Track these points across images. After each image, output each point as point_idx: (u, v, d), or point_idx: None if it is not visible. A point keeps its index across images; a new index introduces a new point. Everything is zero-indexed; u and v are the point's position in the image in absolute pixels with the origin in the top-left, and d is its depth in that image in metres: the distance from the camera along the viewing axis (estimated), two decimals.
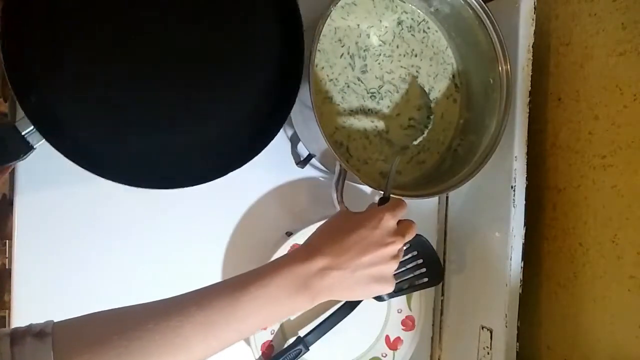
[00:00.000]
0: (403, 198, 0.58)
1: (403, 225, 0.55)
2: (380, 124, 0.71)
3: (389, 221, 0.52)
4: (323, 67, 0.69)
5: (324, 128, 0.61)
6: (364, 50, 0.71)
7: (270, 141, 0.61)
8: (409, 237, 0.54)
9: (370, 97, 0.71)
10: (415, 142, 0.73)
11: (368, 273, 0.50)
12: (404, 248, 0.73)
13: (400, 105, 0.72)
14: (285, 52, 0.63)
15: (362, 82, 0.71)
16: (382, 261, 0.51)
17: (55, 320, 0.44)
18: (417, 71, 0.73)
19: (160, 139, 0.59)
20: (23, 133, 0.49)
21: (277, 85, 0.62)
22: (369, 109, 0.71)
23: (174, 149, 0.60)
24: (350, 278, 0.49)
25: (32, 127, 0.49)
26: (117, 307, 0.46)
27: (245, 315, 0.46)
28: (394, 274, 0.52)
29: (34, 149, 0.49)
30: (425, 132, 0.73)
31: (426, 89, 0.73)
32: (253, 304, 0.46)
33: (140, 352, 0.43)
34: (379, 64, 0.71)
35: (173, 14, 0.59)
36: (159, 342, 0.43)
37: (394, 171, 0.58)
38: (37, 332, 0.42)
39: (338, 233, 0.51)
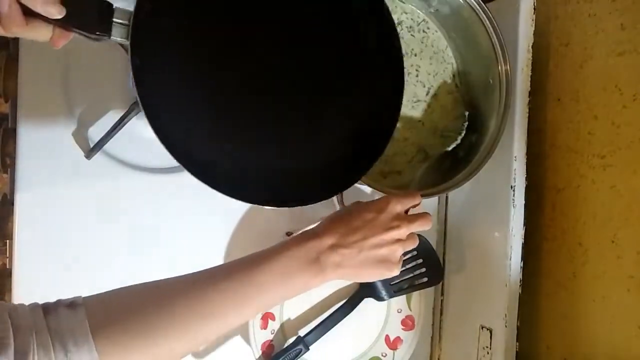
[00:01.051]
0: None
1: (413, 214, 0.56)
2: None
3: (395, 206, 0.55)
4: None
5: None
6: None
7: (365, 171, 0.58)
8: (417, 226, 0.55)
9: None
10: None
11: (373, 254, 0.53)
12: None
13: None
14: (387, 84, 0.61)
15: None
16: (386, 243, 0.53)
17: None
18: (416, 70, 0.73)
19: (263, 155, 0.57)
20: (114, 18, 0.47)
21: (375, 117, 0.61)
22: None
23: (275, 167, 0.57)
24: (356, 257, 0.52)
25: (126, 22, 0.47)
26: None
27: (263, 286, 0.49)
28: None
29: (108, 39, 0.47)
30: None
31: (426, 88, 0.73)
32: (269, 274, 0.49)
33: (171, 319, 0.45)
34: None
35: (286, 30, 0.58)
36: (188, 308, 0.45)
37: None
38: (69, 304, 0.43)
39: (346, 216, 0.54)
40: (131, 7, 0.47)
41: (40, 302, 0.44)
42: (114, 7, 0.47)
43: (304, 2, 0.59)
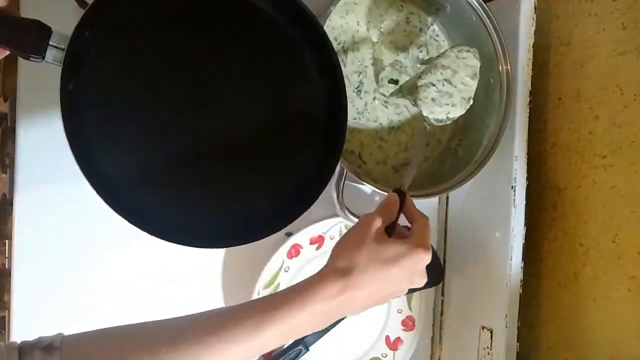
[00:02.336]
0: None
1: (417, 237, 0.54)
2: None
3: (424, 261, 0.52)
4: None
5: None
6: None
7: (295, 218, 0.59)
8: (419, 236, 0.54)
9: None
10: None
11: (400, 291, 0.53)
12: None
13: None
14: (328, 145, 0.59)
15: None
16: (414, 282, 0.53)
17: (64, 334, 0.42)
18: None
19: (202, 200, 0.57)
20: (51, 41, 0.46)
21: (313, 180, 0.59)
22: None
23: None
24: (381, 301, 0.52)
25: (62, 46, 0.47)
26: (124, 322, 0.44)
27: (267, 340, 0.45)
28: None
29: (42, 60, 0.47)
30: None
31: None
32: (278, 330, 0.45)
33: None
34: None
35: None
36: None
37: (414, 164, 0.60)
38: (46, 346, 0.41)
39: (377, 262, 0.49)
40: (70, 33, 0.47)
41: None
42: (52, 30, 0.47)
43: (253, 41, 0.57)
